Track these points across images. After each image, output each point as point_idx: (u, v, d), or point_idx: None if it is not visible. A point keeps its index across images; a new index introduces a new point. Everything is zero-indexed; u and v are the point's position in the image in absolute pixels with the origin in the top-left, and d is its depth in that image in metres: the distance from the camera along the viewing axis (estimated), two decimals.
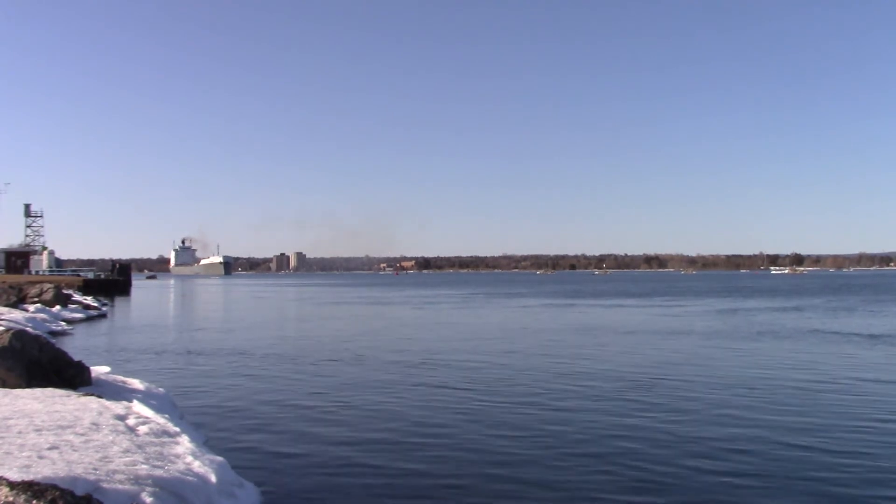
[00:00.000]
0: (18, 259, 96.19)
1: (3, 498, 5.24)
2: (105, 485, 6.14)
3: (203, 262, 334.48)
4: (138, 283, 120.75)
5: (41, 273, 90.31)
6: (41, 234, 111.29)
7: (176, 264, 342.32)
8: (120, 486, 6.21)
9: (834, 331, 28.96)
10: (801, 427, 11.73)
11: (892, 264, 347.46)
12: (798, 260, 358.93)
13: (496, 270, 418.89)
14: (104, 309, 45.39)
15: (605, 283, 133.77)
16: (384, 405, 13.86)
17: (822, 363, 19.62)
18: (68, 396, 10.46)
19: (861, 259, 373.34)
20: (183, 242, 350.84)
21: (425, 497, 8.42)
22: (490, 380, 16.94)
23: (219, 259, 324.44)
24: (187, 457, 7.89)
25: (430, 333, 30.12)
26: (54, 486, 5.68)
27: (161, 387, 13.57)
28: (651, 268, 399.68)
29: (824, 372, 17.90)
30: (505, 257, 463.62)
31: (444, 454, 10.26)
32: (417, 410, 13.39)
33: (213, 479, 7.43)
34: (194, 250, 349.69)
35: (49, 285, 43.90)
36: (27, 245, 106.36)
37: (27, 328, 20.73)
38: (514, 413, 13.14)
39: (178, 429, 9.22)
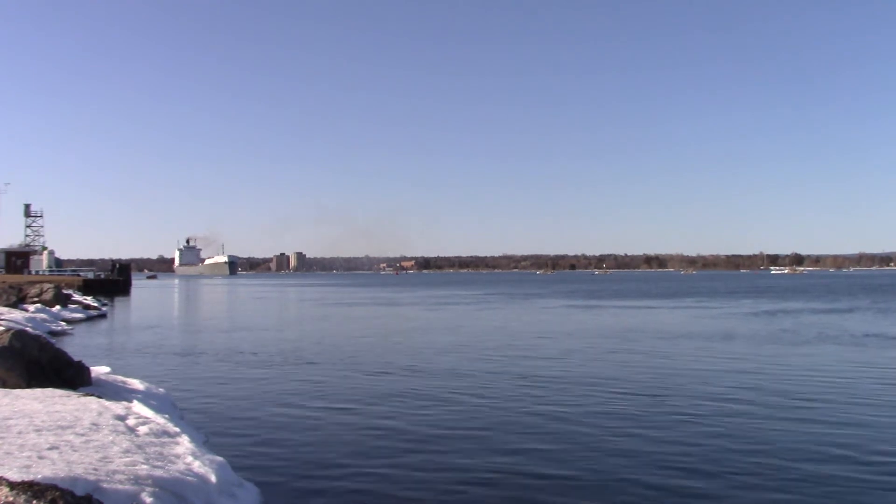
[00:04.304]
0: (18, 259, 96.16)
1: (3, 498, 5.24)
2: (105, 485, 6.14)
3: (208, 261, 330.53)
4: (138, 284, 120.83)
5: (41, 273, 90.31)
6: (41, 234, 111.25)
7: (180, 264, 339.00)
8: (120, 486, 6.21)
9: None
10: None
11: (892, 264, 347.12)
12: (798, 260, 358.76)
13: (496, 270, 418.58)
14: (104, 309, 45.35)
15: (617, 283, 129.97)
16: (390, 409, 13.81)
17: None
18: (68, 397, 10.46)
19: (861, 259, 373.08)
20: (187, 242, 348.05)
21: (432, 499, 8.39)
22: (555, 389, 16.64)
23: (223, 259, 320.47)
24: (187, 457, 7.89)
25: (453, 337, 28.22)
26: (54, 487, 5.68)
27: (161, 387, 13.59)
28: (651, 268, 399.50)
29: None
30: (505, 257, 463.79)
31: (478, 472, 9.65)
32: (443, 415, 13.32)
33: (213, 479, 7.43)
34: (199, 250, 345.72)
35: (49, 285, 43.90)
36: (27, 245, 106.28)
37: (27, 328, 20.73)
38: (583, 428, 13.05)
39: (178, 429, 9.22)
